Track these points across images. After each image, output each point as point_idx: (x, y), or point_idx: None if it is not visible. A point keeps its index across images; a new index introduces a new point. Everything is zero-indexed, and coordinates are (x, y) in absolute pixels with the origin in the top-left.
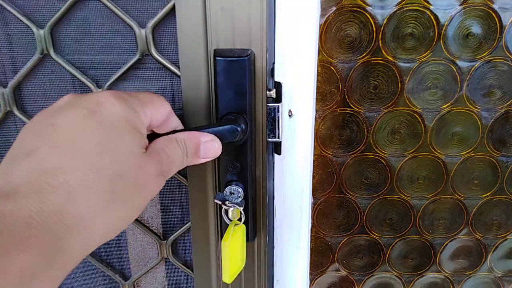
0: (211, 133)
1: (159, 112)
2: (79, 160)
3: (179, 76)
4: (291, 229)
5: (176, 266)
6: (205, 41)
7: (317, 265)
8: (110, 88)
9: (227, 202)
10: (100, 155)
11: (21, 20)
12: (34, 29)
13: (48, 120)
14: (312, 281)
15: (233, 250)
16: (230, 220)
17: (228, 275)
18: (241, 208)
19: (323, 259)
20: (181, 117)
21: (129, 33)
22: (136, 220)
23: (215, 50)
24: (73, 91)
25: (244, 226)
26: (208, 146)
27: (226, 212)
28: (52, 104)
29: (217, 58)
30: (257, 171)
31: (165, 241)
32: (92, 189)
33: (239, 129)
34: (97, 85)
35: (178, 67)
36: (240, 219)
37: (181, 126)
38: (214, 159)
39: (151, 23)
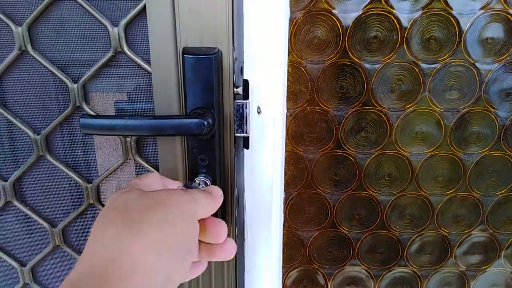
0: (178, 124)
1: None
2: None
3: (150, 73)
4: (261, 222)
5: None
6: (174, 40)
7: (290, 258)
8: (85, 85)
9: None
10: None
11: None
12: (12, 26)
13: (141, 215)
14: (285, 274)
15: None
16: None
17: None
18: None
19: (296, 253)
20: (151, 112)
21: (103, 31)
22: None
23: (183, 48)
24: (51, 86)
25: None
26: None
27: None
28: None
29: (185, 55)
30: (225, 164)
31: None
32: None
33: (205, 123)
34: (73, 81)
35: (149, 63)
36: None
37: None
38: (184, 153)
39: (123, 21)
